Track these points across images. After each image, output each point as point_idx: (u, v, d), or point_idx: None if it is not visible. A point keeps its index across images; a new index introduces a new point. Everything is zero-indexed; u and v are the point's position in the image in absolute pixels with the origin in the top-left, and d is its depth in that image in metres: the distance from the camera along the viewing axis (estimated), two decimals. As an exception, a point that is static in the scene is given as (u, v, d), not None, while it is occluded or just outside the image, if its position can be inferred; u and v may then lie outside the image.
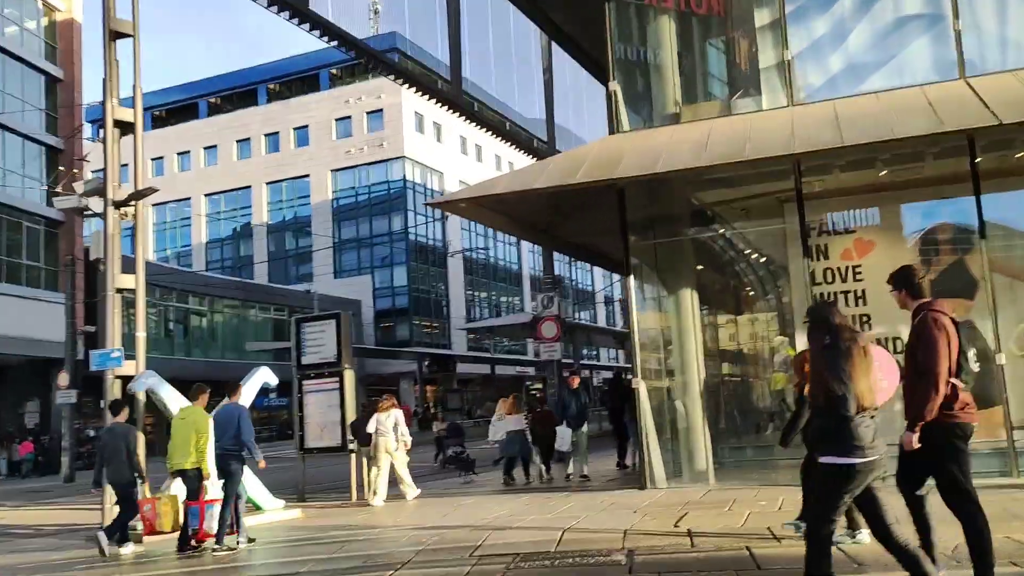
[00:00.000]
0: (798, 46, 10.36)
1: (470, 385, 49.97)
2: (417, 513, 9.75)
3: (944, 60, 9.78)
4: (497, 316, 50.52)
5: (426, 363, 39.68)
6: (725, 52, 11.33)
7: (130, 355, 10.03)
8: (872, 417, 3.94)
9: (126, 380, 10.00)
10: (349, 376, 11.51)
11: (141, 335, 10.30)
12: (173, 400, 9.74)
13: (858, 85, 10.06)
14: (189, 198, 50.74)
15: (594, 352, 54.22)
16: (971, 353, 4.38)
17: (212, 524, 7.98)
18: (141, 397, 9.93)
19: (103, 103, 10.47)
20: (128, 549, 8.23)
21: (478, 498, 10.58)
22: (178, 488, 8.65)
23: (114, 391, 9.98)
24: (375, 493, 10.78)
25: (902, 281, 4.57)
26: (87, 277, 27.41)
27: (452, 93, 20.23)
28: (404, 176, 46.46)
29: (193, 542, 7.98)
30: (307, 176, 48.45)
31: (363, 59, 20.75)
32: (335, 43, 17.28)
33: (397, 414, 10.99)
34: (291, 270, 48.35)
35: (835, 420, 3.83)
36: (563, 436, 11.34)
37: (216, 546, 7.81)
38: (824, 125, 9.09)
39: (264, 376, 10.56)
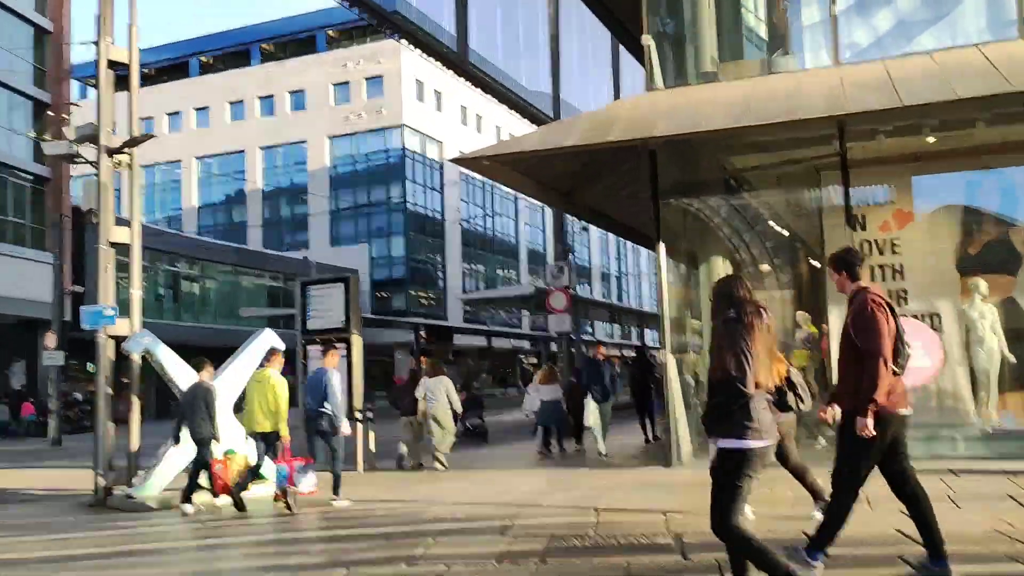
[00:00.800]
0: (845, 1, 9.72)
1: (466, 357, 49.53)
2: (433, 487, 9.24)
3: (1001, 18, 9.22)
4: (493, 289, 49.97)
5: (422, 334, 39.12)
6: (766, 7, 10.67)
7: (122, 316, 9.41)
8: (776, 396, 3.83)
9: (119, 340, 9.40)
10: (357, 342, 10.94)
11: (137, 292, 9.68)
12: (171, 362, 9.17)
13: (907, 44, 9.46)
14: (180, 160, 49.50)
15: (589, 327, 53.86)
16: (907, 338, 4.38)
17: (304, 485, 7.94)
18: (136, 359, 9.34)
19: (96, 42, 9.73)
20: (190, 508, 8.12)
21: (495, 472, 10.13)
22: (248, 449, 8.54)
23: (107, 352, 9.39)
24: (440, 461, 10.58)
25: (842, 263, 4.50)
26: (75, 236, 26.61)
27: (458, 56, 19.39)
28: (403, 145, 45.46)
29: (286, 501, 7.87)
30: (303, 142, 47.33)
31: (367, 15, 19.89)
32: (340, -2, 16.49)
33: (447, 381, 10.83)
34: (285, 237, 47.42)
35: (732, 398, 3.68)
36: (589, 409, 10.87)
37: (334, 497, 7.89)
38: (877, 86, 8.50)
39: (269, 339, 9.94)
